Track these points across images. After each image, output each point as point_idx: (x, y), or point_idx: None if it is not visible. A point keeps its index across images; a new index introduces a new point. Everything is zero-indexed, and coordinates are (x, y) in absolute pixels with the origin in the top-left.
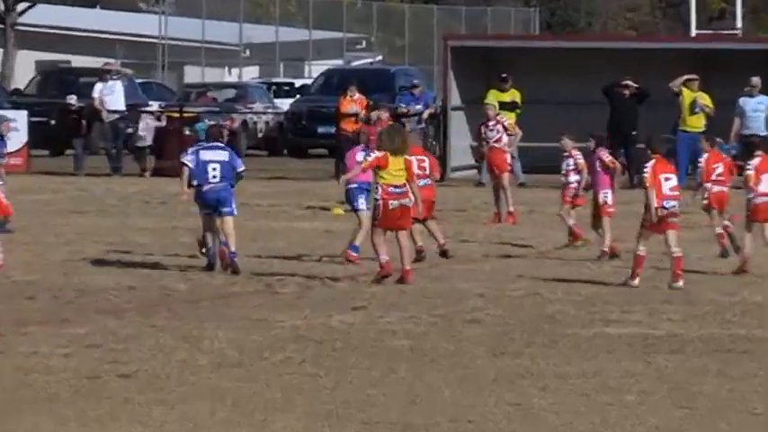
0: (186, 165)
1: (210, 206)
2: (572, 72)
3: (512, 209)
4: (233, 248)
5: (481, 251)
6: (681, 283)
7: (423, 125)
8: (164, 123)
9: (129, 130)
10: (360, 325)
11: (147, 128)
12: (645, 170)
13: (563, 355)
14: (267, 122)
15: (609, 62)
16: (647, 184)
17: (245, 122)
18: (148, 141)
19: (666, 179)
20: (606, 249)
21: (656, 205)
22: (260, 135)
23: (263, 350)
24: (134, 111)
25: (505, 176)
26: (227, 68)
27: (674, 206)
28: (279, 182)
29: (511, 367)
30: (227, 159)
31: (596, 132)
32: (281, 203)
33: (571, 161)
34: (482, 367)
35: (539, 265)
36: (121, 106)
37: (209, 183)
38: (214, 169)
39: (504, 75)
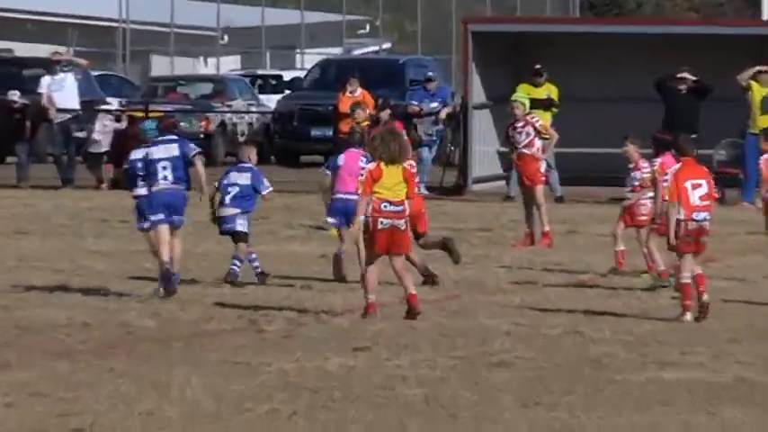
0: (137, 197)
1: (160, 211)
2: (619, 62)
3: (547, 228)
4: (175, 270)
5: (510, 279)
6: (705, 297)
7: (439, 127)
8: (124, 125)
9: (83, 134)
10: (362, 369)
11: (104, 130)
12: (666, 178)
13: (610, 406)
14: (250, 124)
15: (663, 50)
16: (669, 198)
17: (222, 124)
18: (106, 146)
19: (695, 186)
20: (663, 269)
21: (682, 218)
22: (241, 139)
23: (244, 400)
24: (89, 109)
25: (539, 189)
26: (201, 58)
27: (705, 219)
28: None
29: (546, 420)
30: (177, 154)
31: (661, 135)
32: (267, 222)
33: (637, 174)
34: (511, 421)
35: (580, 296)
36: (74, 104)
37: (160, 183)
38: (164, 168)
39: (537, 66)
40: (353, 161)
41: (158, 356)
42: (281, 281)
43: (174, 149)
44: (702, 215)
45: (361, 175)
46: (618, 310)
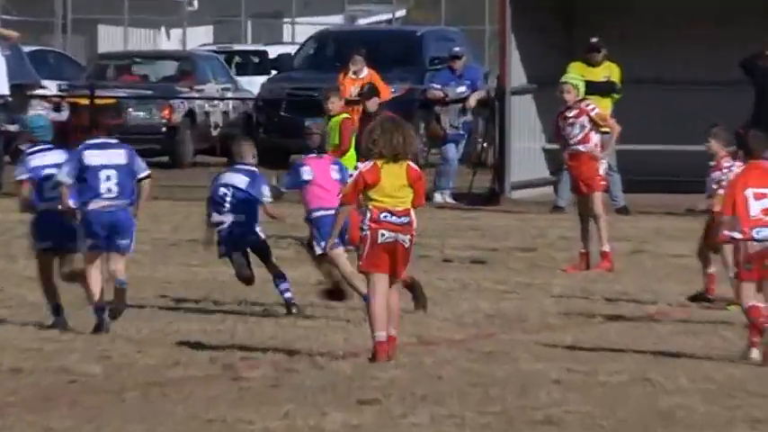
0: (64, 183)
1: (98, 235)
2: (696, 36)
3: (607, 248)
4: (122, 276)
5: (559, 312)
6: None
7: (468, 117)
8: (65, 115)
9: (13, 127)
10: (370, 428)
11: None
12: (723, 183)
13: None
14: (226, 113)
15: (754, 21)
16: (721, 209)
17: (191, 113)
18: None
19: (759, 196)
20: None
21: (739, 236)
22: (215, 133)
23: None
24: (20, 95)
25: (597, 197)
26: (163, 29)
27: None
28: None
29: None
30: (125, 162)
31: (749, 130)
32: None
33: (717, 175)
34: None
35: (648, 334)
36: (1, 87)
37: (102, 198)
38: (108, 178)
39: (594, 39)
40: (324, 171)
41: (108, 411)
42: (266, 314)
43: (120, 156)
44: (765, 233)
45: (340, 181)
46: (697, 352)
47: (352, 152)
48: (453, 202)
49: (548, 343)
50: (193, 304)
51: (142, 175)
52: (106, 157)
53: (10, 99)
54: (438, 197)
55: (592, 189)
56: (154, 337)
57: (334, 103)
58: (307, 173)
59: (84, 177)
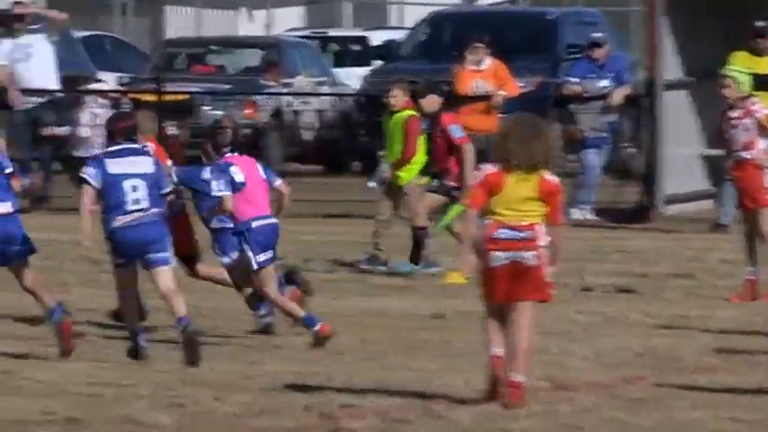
0: (88, 182)
1: (130, 252)
2: None
3: None
4: (182, 312)
5: (720, 350)
6: None
7: (612, 117)
8: None
9: (64, 129)
10: None
11: (95, 122)
12: None
13: None
14: (321, 112)
15: None
16: None
17: (278, 113)
18: (98, 147)
19: None
20: None
21: None
22: (306, 136)
23: None
24: (72, 90)
25: (767, 214)
26: (243, 11)
27: None
28: (341, 222)
29: None
30: (152, 171)
31: None
32: (349, 263)
33: None
34: None
35: None
36: (47, 81)
37: (127, 212)
38: (134, 188)
39: (760, 23)
40: (251, 172)
41: None
42: (370, 354)
43: (146, 164)
44: None
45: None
46: None
47: (420, 158)
48: (595, 218)
49: (707, 387)
50: (283, 339)
51: (165, 190)
52: (130, 165)
53: (58, 95)
54: (576, 213)
55: (759, 204)
56: (234, 380)
57: (397, 97)
58: (240, 174)
59: (108, 188)
